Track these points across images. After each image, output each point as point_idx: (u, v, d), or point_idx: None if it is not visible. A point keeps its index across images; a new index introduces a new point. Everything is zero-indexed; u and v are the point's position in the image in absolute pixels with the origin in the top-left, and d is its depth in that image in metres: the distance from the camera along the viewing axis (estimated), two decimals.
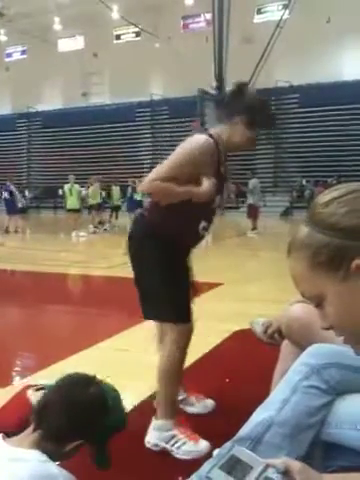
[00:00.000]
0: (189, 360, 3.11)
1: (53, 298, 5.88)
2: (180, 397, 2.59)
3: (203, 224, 2.32)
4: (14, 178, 18.03)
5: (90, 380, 1.56)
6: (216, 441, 1.36)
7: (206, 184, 2.12)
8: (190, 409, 2.62)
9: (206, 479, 1.01)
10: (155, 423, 2.32)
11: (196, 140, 2.19)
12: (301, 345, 1.64)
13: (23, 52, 32.71)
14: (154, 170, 2.19)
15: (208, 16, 24.61)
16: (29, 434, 1.49)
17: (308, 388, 1.36)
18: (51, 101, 30.38)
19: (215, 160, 2.21)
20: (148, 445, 2.30)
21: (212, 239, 14.24)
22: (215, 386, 2.90)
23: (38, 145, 30.87)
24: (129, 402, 2.59)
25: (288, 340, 1.86)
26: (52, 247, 11.39)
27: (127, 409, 2.45)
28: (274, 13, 24.87)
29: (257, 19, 26.33)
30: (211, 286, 5.98)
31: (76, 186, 15.10)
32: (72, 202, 14.70)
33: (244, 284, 6.43)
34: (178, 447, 2.23)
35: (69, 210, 14.89)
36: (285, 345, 1.91)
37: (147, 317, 2.39)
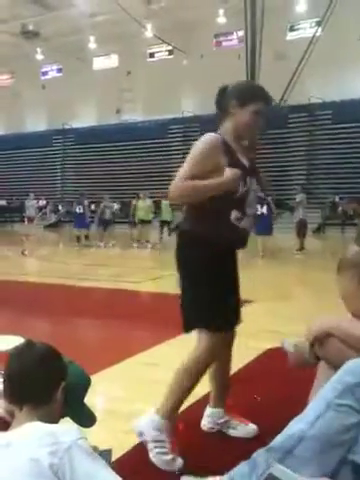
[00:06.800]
0: None
1: (86, 311, 5.93)
2: (221, 420, 2.55)
3: (235, 214, 2.29)
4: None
5: (29, 341, 1.62)
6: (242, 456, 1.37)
7: (228, 172, 2.21)
8: (233, 432, 2.53)
9: None
10: (153, 416, 2.28)
11: (203, 137, 2.33)
12: (335, 364, 1.63)
13: (59, 70, 33.43)
14: (176, 176, 2.28)
15: (240, 33, 24.79)
16: (20, 416, 1.49)
17: (340, 406, 1.36)
18: (86, 118, 30.91)
19: (227, 150, 2.30)
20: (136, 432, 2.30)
21: (243, 255, 14.18)
22: (245, 404, 2.88)
23: (72, 161, 31.36)
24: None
25: (324, 361, 1.84)
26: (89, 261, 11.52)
27: None
28: (306, 30, 24.88)
29: (290, 36, 26.36)
30: (242, 303, 5.93)
31: (148, 200, 15.75)
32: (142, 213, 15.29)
33: (276, 302, 6.37)
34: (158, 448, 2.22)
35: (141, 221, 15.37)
36: (322, 363, 1.88)
37: (186, 328, 2.34)
